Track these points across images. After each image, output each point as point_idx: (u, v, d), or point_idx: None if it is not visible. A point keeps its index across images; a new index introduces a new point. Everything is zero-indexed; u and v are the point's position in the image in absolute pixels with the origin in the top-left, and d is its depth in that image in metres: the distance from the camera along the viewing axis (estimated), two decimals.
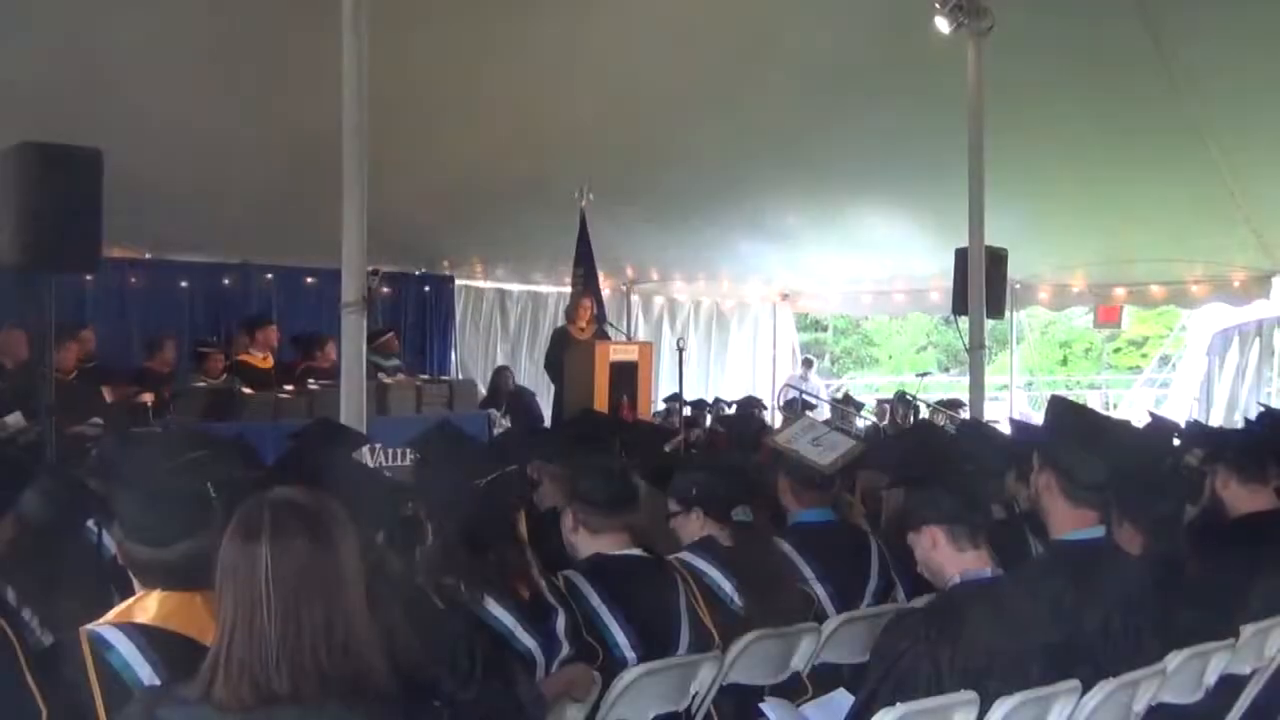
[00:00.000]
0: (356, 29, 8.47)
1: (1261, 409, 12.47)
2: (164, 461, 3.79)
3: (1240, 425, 11.50)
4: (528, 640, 4.47)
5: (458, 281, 20.21)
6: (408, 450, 10.75)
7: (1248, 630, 5.15)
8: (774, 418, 19.49)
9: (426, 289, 19.71)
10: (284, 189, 13.83)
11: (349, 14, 8.48)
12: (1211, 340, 25.58)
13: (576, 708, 4.49)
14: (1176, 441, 7.50)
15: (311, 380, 13.46)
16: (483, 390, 17.88)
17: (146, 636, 3.41)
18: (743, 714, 5.10)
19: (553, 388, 16.39)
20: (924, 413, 18.73)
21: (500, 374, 18.07)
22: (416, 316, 19.52)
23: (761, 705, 4.77)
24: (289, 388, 13.05)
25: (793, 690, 5.26)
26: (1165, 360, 30.78)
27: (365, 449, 8.15)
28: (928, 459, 5.00)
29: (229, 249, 16.95)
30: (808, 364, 24.34)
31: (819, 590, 5.80)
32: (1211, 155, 15.67)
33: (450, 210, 16.31)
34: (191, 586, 3.52)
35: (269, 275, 17.57)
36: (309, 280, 17.61)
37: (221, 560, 2.87)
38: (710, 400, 19.72)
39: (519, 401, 17.32)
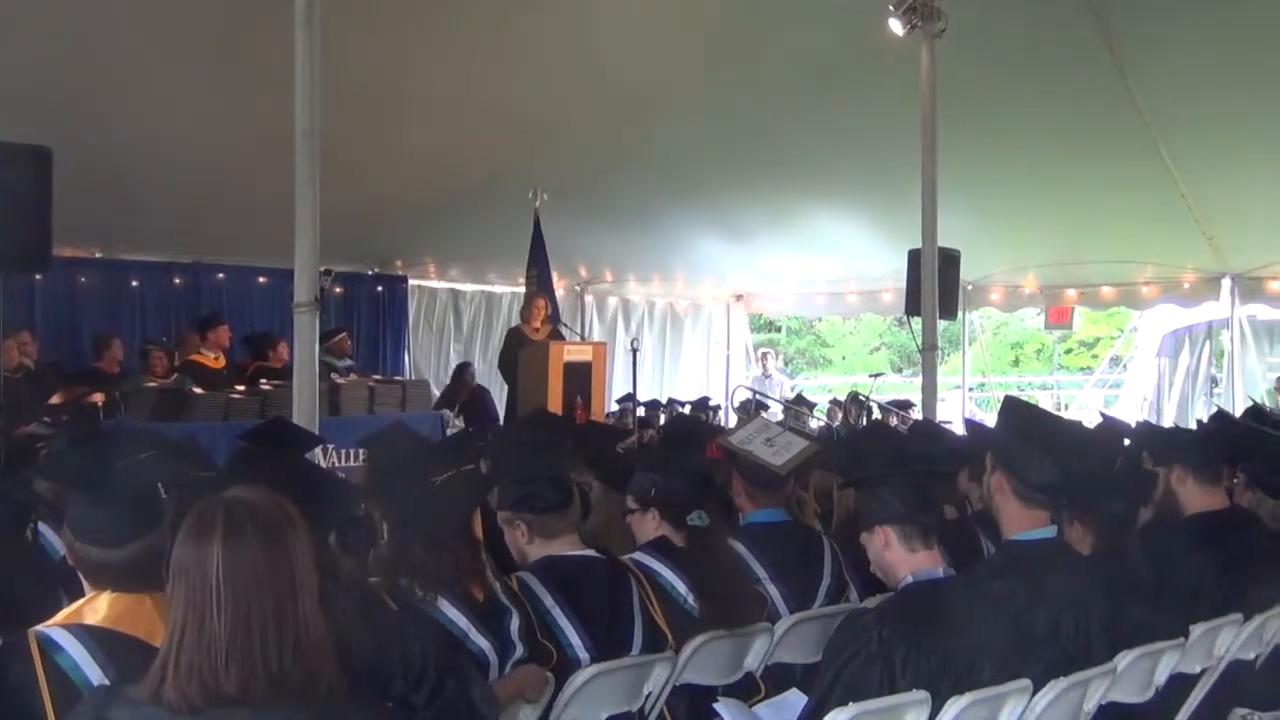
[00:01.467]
0: (310, 27, 8.45)
1: (1215, 410, 12.57)
2: (115, 462, 3.77)
3: (1193, 426, 11.56)
4: (481, 641, 4.46)
5: (411, 281, 20.12)
6: (360, 450, 10.72)
7: (1197, 630, 5.19)
8: (728, 418, 19.54)
9: (380, 289, 19.63)
10: (236, 188, 13.77)
11: (302, 12, 8.45)
12: (1162, 341, 25.78)
13: (530, 708, 4.48)
14: (1127, 442, 7.54)
15: (264, 380, 13.40)
16: (436, 391, 17.82)
17: (96, 638, 3.39)
18: (696, 714, 5.11)
19: (506, 388, 16.36)
20: (876, 413, 18.79)
21: (463, 370, 17.96)
22: (369, 317, 19.43)
23: (715, 705, 4.78)
24: (241, 388, 12.98)
25: (746, 690, 5.26)
26: (1116, 361, 30.98)
27: (318, 449, 8.12)
28: (880, 459, 4.99)
29: (180, 248, 16.83)
30: (766, 358, 24.32)
31: (772, 590, 5.80)
32: (1163, 158, 15.82)
33: (404, 210, 16.26)
34: (142, 588, 3.51)
35: (220, 275, 17.45)
36: (261, 280, 17.52)
37: (173, 560, 2.85)
38: (664, 401, 19.76)
39: (476, 401, 17.26)
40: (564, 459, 5.61)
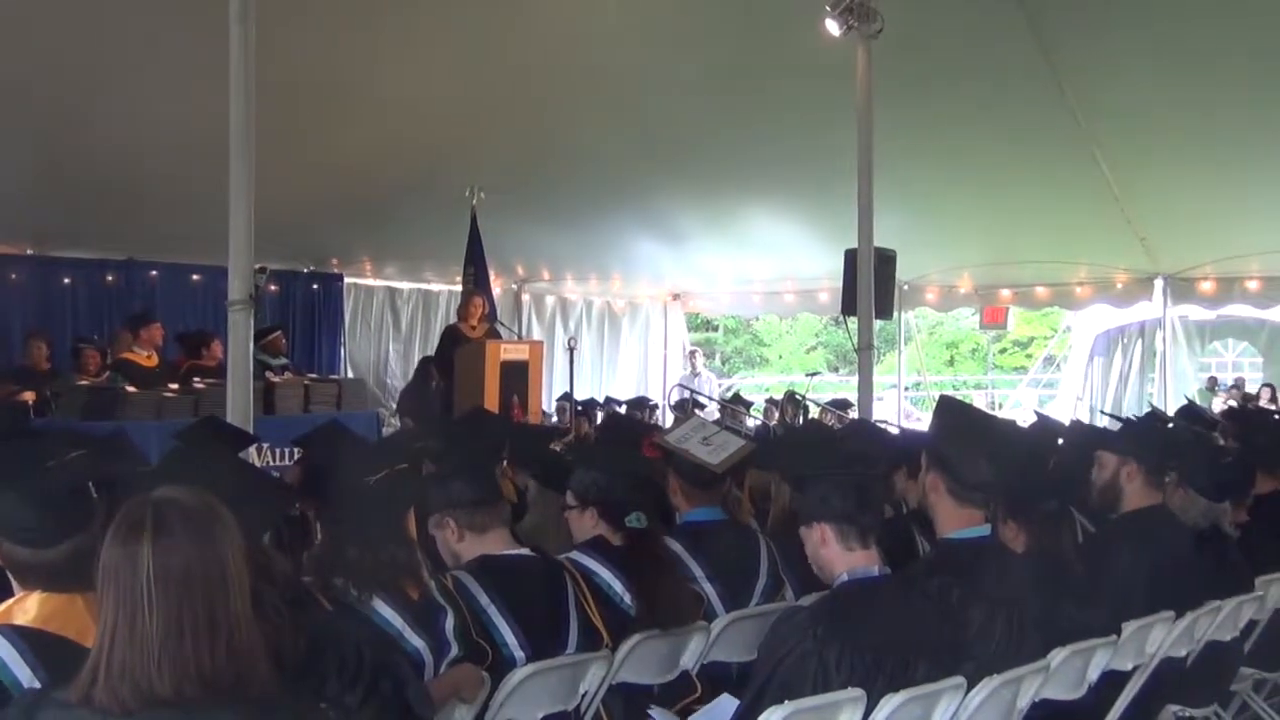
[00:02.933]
0: (244, 23, 8.39)
1: (1149, 409, 12.67)
2: (44, 460, 3.72)
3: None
4: (416, 640, 4.44)
5: (347, 279, 20.05)
6: (295, 449, 10.66)
7: (1129, 627, 5.23)
8: (665, 417, 19.56)
9: (315, 287, 19.54)
10: (170, 185, 13.65)
11: (236, 8, 8.39)
12: (1095, 341, 26.05)
13: (465, 708, 4.46)
14: (1060, 441, 7.60)
15: (197, 379, 13.27)
16: (375, 389, 17.74)
17: (26, 639, 3.36)
18: (632, 713, 5.10)
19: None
20: (813, 412, 18.86)
21: (426, 365, 17.73)
22: (305, 315, 19.33)
23: (650, 712, 4.78)
24: (174, 386, 12.85)
25: (682, 689, 5.27)
26: (1050, 361, 31.27)
27: (252, 448, 8.07)
28: (820, 458, 5.00)
29: (113, 245, 16.67)
30: (694, 356, 24.34)
31: (708, 589, 5.81)
32: (1096, 160, 15.98)
33: (339, 208, 16.18)
34: (72, 588, 3.47)
35: (154, 272, 17.32)
36: (195, 278, 17.41)
37: (103, 560, 2.81)
38: (602, 400, 19.76)
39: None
40: (492, 454, 5.58)
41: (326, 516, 4.59)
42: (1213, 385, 23.77)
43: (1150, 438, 6.57)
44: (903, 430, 12.93)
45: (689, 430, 6.43)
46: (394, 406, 18.37)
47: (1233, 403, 19.70)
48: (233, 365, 8.71)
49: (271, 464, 11.06)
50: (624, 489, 5.53)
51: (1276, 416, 12.22)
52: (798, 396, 19.85)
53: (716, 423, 7.87)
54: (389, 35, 12.69)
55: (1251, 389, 23.26)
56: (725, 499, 6.39)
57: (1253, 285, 19.61)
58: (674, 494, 6.24)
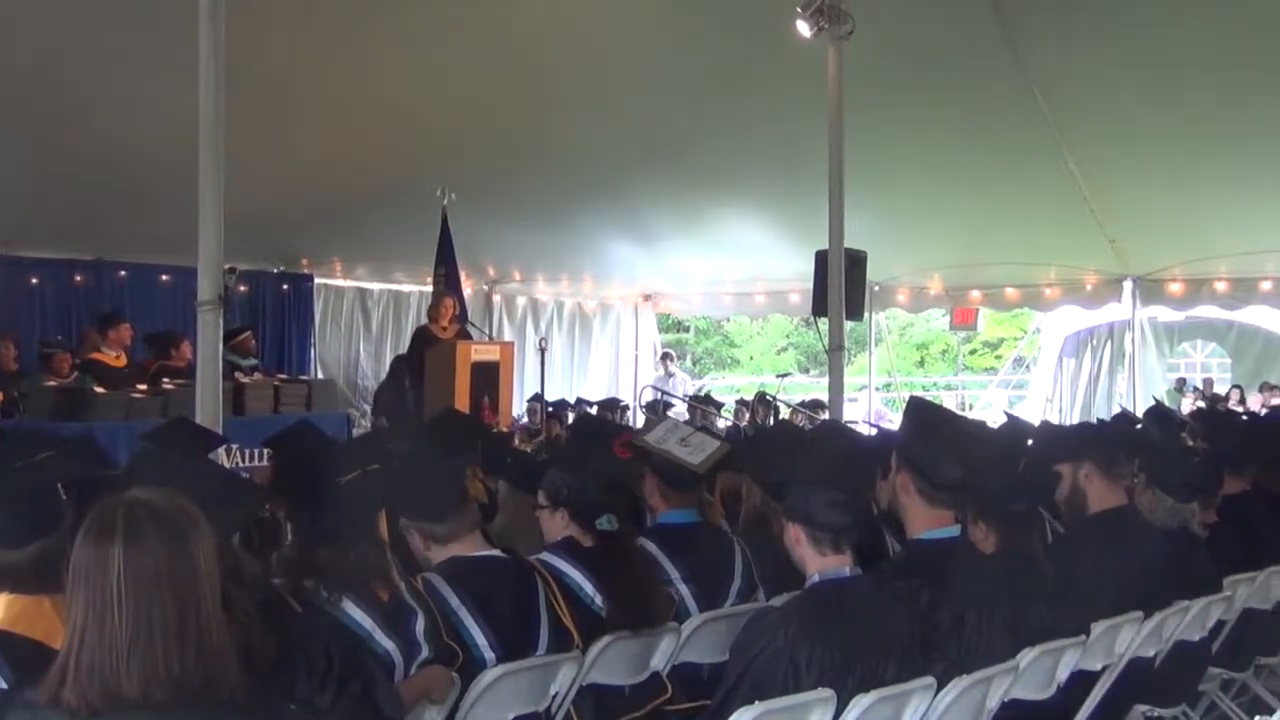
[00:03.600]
0: (214, 23, 8.36)
1: (1119, 410, 12.72)
2: (12, 462, 3.70)
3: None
4: (386, 642, 4.43)
5: (317, 280, 19.95)
6: (265, 450, 10.62)
7: (1098, 627, 5.25)
8: (636, 419, 19.56)
9: (285, 287, 19.44)
10: (139, 185, 13.59)
11: (207, 8, 8.36)
12: (1065, 342, 26.16)
13: (435, 710, 4.46)
14: (1031, 442, 7.63)
15: (166, 380, 13.22)
16: (346, 390, 17.68)
17: None
18: (602, 714, 5.10)
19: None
20: (784, 413, 18.88)
21: (399, 365, 17.65)
22: (275, 315, 19.23)
23: None
24: (143, 387, 12.80)
25: (653, 690, 5.27)
26: (1020, 362, 31.37)
27: (221, 450, 8.04)
28: (796, 460, 5.00)
29: (81, 245, 16.56)
30: (667, 358, 24.34)
31: (683, 590, 5.81)
32: (1066, 161, 16.05)
33: (310, 208, 16.13)
34: (40, 590, 3.46)
35: (122, 272, 17.21)
36: (164, 278, 17.30)
37: (73, 561, 2.81)
38: (573, 401, 19.74)
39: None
40: (454, 464, 5.55)
41: (297, 518, 4.57)
42: (1181, 386, 23.90)
43: (1095, 434, 6.61)
44: (880, 430, 12.94)
45: (666, 431, 6.41)
46: (365, 407, 18.35)
47: (1201, 404, 19.80)
48: (202, 366, 8.69)
49: (241, 465, 11.02)
50: (595, 491, 5.52)
51: (1244, 417, 12.27)
52: (768, 397, 19.87)
53: (689, 424, 7.85)
54: (361, 36, 12.66)
55: (1220, 390, 23.40)
56: (700, 501, 6.40)
57: (1221, 286, 19.73)
58: (650, 495, 6.23)
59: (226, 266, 8.85)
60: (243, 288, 17.19)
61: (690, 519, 6.17)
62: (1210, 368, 26.39)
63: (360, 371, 20.66)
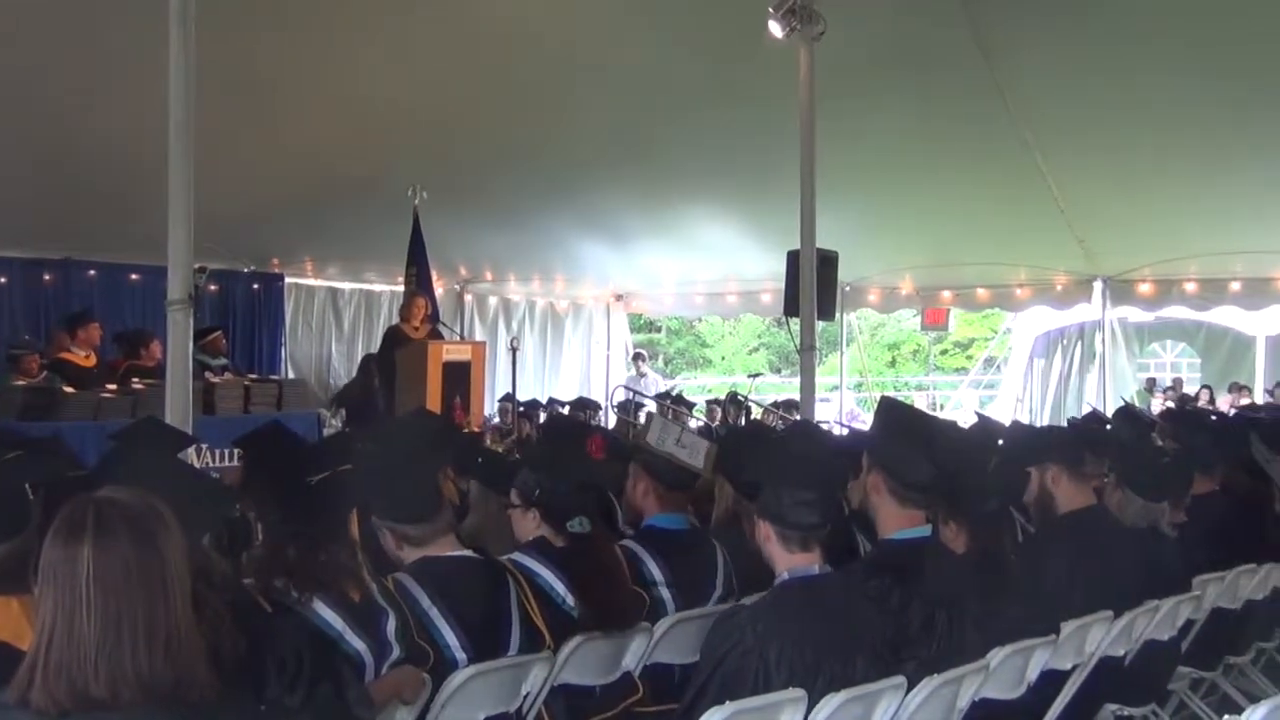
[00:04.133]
0: (184, 19, 8.31)
1: (1088, 409, 12.75)
2: None
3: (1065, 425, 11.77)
4: (357, 642, 4.41)
5: (288, 279, 19.88)
6: (235, 451, 10.58)
7: (1068, 627, 5.27)
8: (608, 419, 19.56)
9: (255, 287, 19.36)
10: (109, 183, 13.51)
11: (176, 8, 8.32)
12: (1035, 343, 26.26)
13: (406, 710, 4.45)
14: (1001, 442, 7.65)
15: (136, 379, 13.18)
16: (317, 389, 17.62)
17: None
18: (574, 714, 5.10)
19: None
20: (756, 413, 18.90)
21: (368, 363, 17.55)
22: (245, 315, 19.15)
23: None
24: (112, 387, 12.75)
25: (624, 690, 5.27)
26: (990, 362, 31.48)
27: (191, 449, 8.01)
28: (770, 460, 5.00)
29: (50, 244, 16.47)
30: (639, 358, 24.35)
31: (666, 595, 5.82)
32: (1036, 162, 16.11)
33: (280, 207, 16.05)
34: (7, 591, 3.43)
35: (92, 272, 17.12)
36: (133, 277, 17.21)
37: (42, 561, 2.80)
38: (545, 401, 19.72)
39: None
40: (432, 466, 5.53)
41: (267, 518, 4.55)
42: (1151, 386, 24.03)
43: (1057, 436, 6.63)
44: (852, 430, 12.97)
45: (661, 432, 6.39)
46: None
47: (1170, 404, 19.91)
48: (172, 365, 8.64)
49: (211, 465, 10.99)
50: (567, 492, 5.51)
51: (1214, 417, 12.33)
52: (740, 397, 19.90)
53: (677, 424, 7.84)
54: (331, 34, 12.62)
55: (1189, 390, 23.52)
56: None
57: (1190, 287, 19.83)
58: (643, 496, 6.22)
59: (197, 266, 8.80)
60: (213, 287, 17.12)
61: (680, 524, 6.17)
62: (1180, 368, 26.56)
63: (332, 371, 20.60)
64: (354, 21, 12.47)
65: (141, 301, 16.86)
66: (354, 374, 18.21)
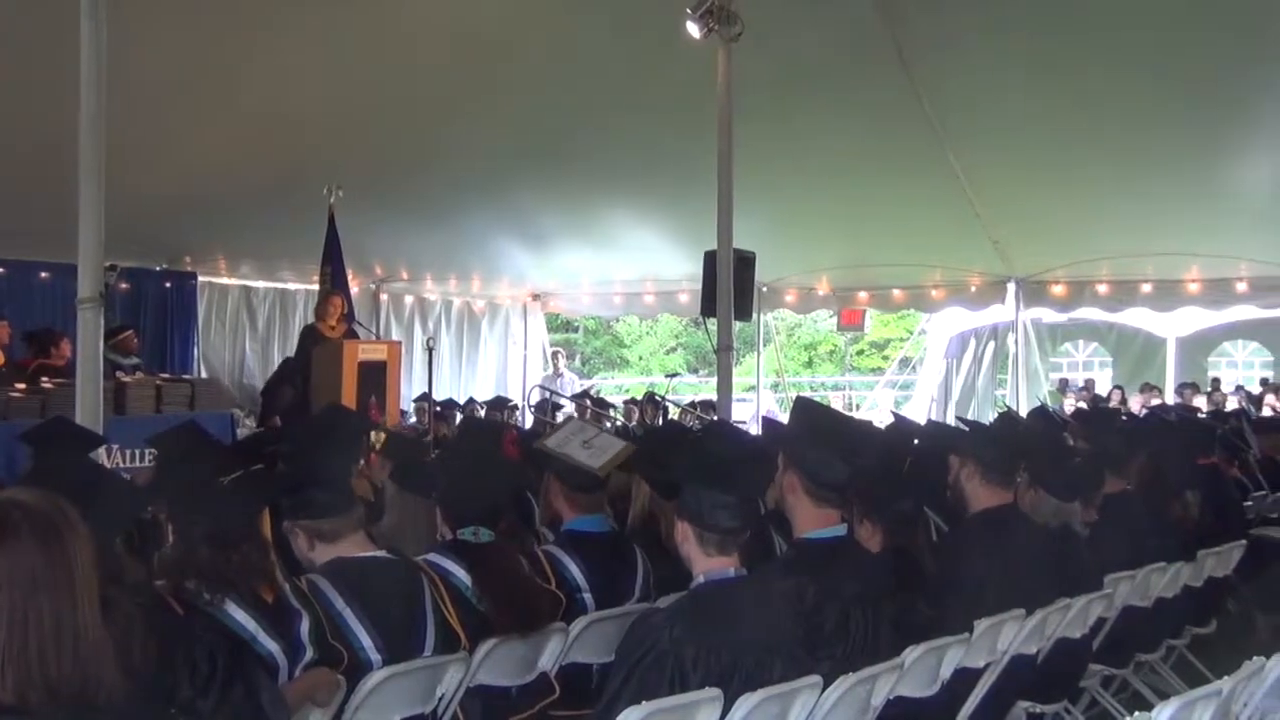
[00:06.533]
0: (95, 16, 8.22)
1: (1004, 409, 12.85)
2: None
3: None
4: (270, 644, 4.38)
5: (201, 278, 19.70)
6: (147, 450, 10.46)
7: (982, 625, 5.31)
8: (525, 418, 19.53)
9: (168, 285, 19.17)
10: (17, 180, 13.32)
11: (87, 4, 8.22)
12: (949, 343, 26.48)
13: (320, 712, 4.42)
14: (915, 441, 7.70)
15: (45, 379, 12.97)
16: (231, 389, 17.45)
17: None
18: (490, 715, 5.08)
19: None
20: (673, 413, 18.94)
21: (286, 365, 17.38)
22: (157, 314, 18.94)
23: None
24: (21, 386, 12.54)
25: (540, 691, 5.25)
26: (906, 362, 31.70)
27: (102, 450, 7.91)
28: (695, 470, 4.99)
29: None
30: (556, 357, 24.35)
31: (587, 600, 5.80)
32: (951, 166, 16.27)
33: (194, 205, 15.90)
34: None
35: (0, 269, 16.90)
36: (43, 275, 16.98)
37: None
38: (462, 401, 19.66)
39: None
40: (345, 459, 5.49)
41: (178, 518, 4.50)
42: (1063, 387, 24.29)
43: (983, 438, 6.68)
44: (765, 420, 12.98)
45: (569, 433, 6.36)
46: (252, 407, 18.11)
47: (1083, 404, 20.14)
48: (82, 364, 8.56)
49: (122, 465, 10.85)
50: (460, 500, 5.48)
51: (1125, 418, 12.48)
52: (657, 398, 19.94)
53: (594, 424, 7.83)
54: (246, 32, 12.52)
55: (1101, 390, 23.80)
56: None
57: (1102, 289, 20.11)
58: (556, 499, 6.19)
59: (107, 264, 8.72)
60: (124, 285, 16.92)
61: (600, 527, 6.14)
62: (1092, 368, 26.85)
63: (247, 371, 20.44)
64: (270, 19, 12.38)
65: (51, 300, 16.62)
66: (269, 374, 18.07)
